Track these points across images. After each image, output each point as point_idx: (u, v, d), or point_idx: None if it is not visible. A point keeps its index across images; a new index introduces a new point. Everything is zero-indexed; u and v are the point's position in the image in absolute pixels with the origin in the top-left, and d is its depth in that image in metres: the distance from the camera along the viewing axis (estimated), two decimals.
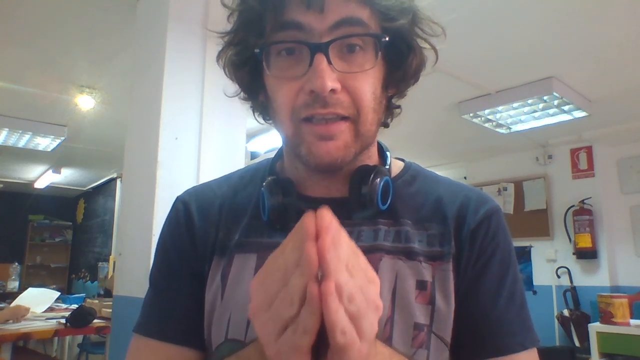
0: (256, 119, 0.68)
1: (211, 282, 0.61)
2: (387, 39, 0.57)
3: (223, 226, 0.63)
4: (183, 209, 0.67)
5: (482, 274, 0.60)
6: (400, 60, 0.62)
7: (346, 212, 0.58)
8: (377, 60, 0.57)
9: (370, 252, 0.58)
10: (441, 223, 0.62)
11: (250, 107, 0.67)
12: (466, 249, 0.60)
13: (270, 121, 0.64)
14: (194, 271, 0.63)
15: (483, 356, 0.57)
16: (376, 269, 0.54)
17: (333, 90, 0.53)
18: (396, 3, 0.58)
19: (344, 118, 0.55)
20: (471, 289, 0.59)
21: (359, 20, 0.55)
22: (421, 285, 0.58)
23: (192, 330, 0.62)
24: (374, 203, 0.58)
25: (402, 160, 0.72)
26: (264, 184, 0.61)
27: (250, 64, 0.60)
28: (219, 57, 0.63)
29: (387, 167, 0.66)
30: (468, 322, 0.58)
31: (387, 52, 0.59)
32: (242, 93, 0.65)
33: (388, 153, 0.70)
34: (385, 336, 0.55)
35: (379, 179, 0.59)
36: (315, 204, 0.49)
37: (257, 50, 0.56)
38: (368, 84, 0.57)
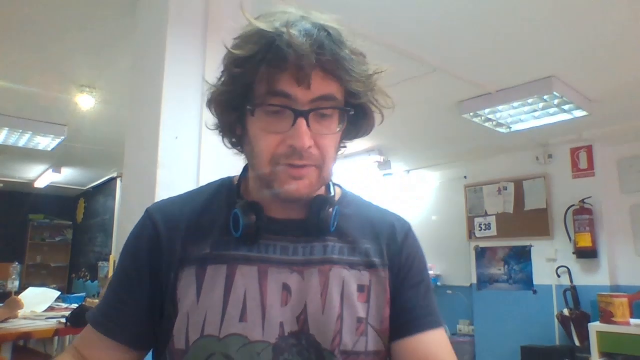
0: (223, 143, 0.81)
1: (185, 288, 0.71)
2: (352, 112, 0.74)
3: (190, 241, 0.74)
4: (150, 222, 0.77)
5: (407, 276, 0.80)
6: (357, 124, 0.79)
7: (303, 231, 0.75)
8: (341, 125, 0.74)
9: (322, 263, 0.74)
10: (375, 240, 0.80)
11: (220, 133, 0.79)
12: (396, 259, 0.80)
13: (239, 150, 0.79)
14: (153, 280, 0.74)
15: (413, 332, 0.76)
16: (327, 277, 0.72)
17: (308, 147, 0.68)
18: (362, 87, 0.73)
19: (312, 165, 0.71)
20: (401, 288, 0.79)
21: (333, 97, 0.71)
22: (361, 288, 0.75)
23: (140, 333, 0.75)
24: (327, 226, 0.74)
25: (340, 186, 0.88)
26: (239, 205, 0.73)
27: (236, 109, 0.74)
28: (209, 100, 0.78)
29: (332, 194, 0.82)
30: (400, 311, 0.77)
31: (349, 118, 0.75)
32: (219, 125, 0.79)
33: (331, 182, 0.83)
34: (337, 329, 0.70)
35: (331, 209, 0.75)
36: (279, 224, 0.74)
37: (249, 107, 0.70)
38: (332, 142, 0.73)
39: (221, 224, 0.75)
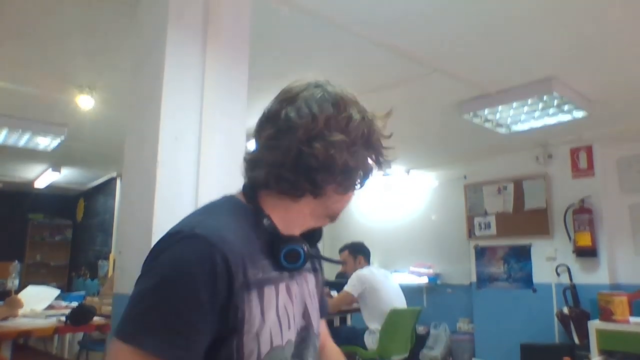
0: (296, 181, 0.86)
1: (252, 311, 0.77)
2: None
3: (248, 267, 0.78)
4: (220, 255, 0.73)
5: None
6: None
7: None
8: None
9: (302, 270, 0.92)
10: (314, 246, 0.99)
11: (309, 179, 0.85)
12: (320, 262, 1.05)
13: (297, 194, 0.86)
14: (221, 309, 0.73)
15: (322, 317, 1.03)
16: (307, 281, 0.95)
17: None
18: None
19: None
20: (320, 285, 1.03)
21: None
22: (314, 287, 0.99)
23: None
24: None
25: None
26: (282, 237, 0.85)
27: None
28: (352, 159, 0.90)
29: None
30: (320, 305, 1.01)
31: None
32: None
33: None
34: (317, 318, 0.95)
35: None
36: (297, 242, 0.86)
37: (358, 185, 0.92)
38: None
39: (258, 249, 0.83)
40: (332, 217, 0.94)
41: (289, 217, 0.88)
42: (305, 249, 0.85)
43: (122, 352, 0.68)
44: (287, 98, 0.88)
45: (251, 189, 0.87)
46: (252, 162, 0.87)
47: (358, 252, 3.81)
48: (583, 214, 4.34)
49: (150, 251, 0.77)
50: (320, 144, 0.81)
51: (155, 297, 0.70)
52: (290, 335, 0.84)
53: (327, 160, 0.81)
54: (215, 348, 0.73)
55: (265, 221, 0.84)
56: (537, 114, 3.57)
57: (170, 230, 0.79)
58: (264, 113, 0.90)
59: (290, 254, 0.84)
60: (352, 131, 0.84)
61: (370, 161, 0.88)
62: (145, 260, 0.77)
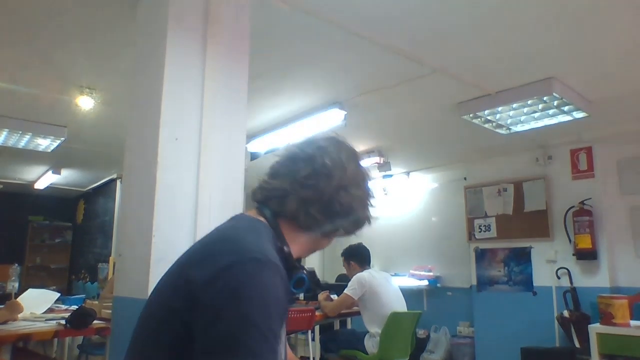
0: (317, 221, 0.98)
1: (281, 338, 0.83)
2: None
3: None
4: (283, 282, 0.84)
5: None
6: None
7: None
8: None
9: None
10: None
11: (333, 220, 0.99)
12: None
13: (315, 229, 0.98)
14: None
15: None
16: None
17: None
18: None
19: None
20: None
21: None
22: None
23: None
24: None
25: None
26: (296, 265, 0.94)
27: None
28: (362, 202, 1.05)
29: None
30: None
31: None
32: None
33: None
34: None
35: None
36: (302, 270, 0.95)
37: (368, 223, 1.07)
38: None
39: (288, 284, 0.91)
40: (316, 250, 1.05)
41: (295, 246, 0.98)
42: (307, 277, 0.94)
43: None
44: (319, 146, 1.00)
45: (273, 216, 0.96)
46: (281, 193, 0.96)
47: (350, 258, 3.80)
48: (583, 216, 4.33)
49: (228, 272, 0.77)
50: (347, 195, 0.96)
51: (259, 319, 0.74)
52: (282, 349, 0.88)
53: (348, 210, 0.97)
54: None
55: (285, 249, 0.93)
56: (537, 114, 3.57)
57: (245, 253, 0.80)
58: (294, 153, 1.00)
59: (299, 281, 0.93)
60: (366, 188, 1.02)
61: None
62: (225, 280, 0.76)
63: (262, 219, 0.96)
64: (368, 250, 3.84)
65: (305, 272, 0.94)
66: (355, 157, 1.03)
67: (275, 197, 0.96)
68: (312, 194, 0.94)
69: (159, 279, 0.93)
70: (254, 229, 0.91)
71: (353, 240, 4.09)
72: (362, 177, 1.01)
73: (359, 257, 3.79)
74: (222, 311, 0.73)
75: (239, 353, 0.71)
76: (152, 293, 0.92)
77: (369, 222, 1.03)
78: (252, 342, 0.72)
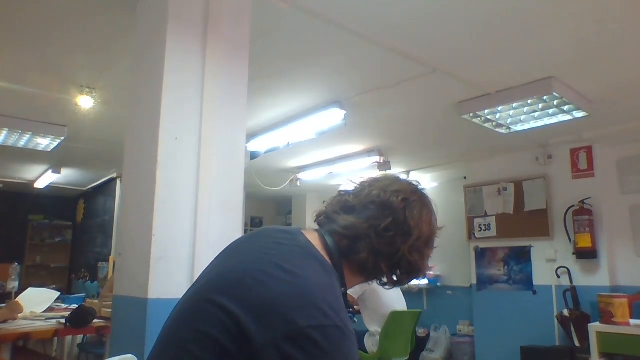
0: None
1: None
2: None
3: None
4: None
5: None
6: None
7: None
8: None
9: None
10: None
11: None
12: None
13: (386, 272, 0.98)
14: None
15: None
16: None
17: None
18: None
19: None
20: None
21: None
22: None
23: None
24: None
25: None
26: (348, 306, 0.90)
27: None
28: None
29: None
30: None
31: None
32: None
33: None
34: None
35: None
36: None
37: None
38: None
39: None
40: None
41: (347, 285, 0.95)
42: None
43: None
44: (405, 199, 0.96)
45: (340, 256, 0.91)
46: (354, 234, 0.92)
47: None
48: (583, 215, 4.33)
49: (306, 336, 0.72)
50: (419, 257, 0.95)
51: None
52: None
53: (414, 269, 0.95)
54: None
55: (342, 290, 0.89)
56: (537, 114, 3.57)
57: (325, 319, 0.75)
58: (376, 195, 0.95)
59: None
60: (433, 246, 1.01)
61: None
62: (312, 339, 0.72)
63: (326, 255, 0.90)
64: None
65: (352, 310, 0.95)
66: (433, 216, 1.02)
67: (347, 237, 0.92)
68: (386, 248, 0.91)
69: (182, 297, 0.90)
70: (325, 277, 0.84)
71: None
72: (434, 236, 1.01)
73: None
74: None
75: None
76: (180, 314, 0.85)
77: (424, 276, 1.03)
78: None
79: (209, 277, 0.88)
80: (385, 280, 0.97)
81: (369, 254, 0.91)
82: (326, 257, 0.89)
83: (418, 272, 0.97)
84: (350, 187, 1.01)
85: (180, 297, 0.92)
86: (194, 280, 0.96)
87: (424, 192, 1.04)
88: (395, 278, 0.97)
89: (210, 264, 0.96)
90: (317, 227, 0.99)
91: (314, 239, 0.92)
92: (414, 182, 1.04)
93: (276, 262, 0.81)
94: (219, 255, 0.98)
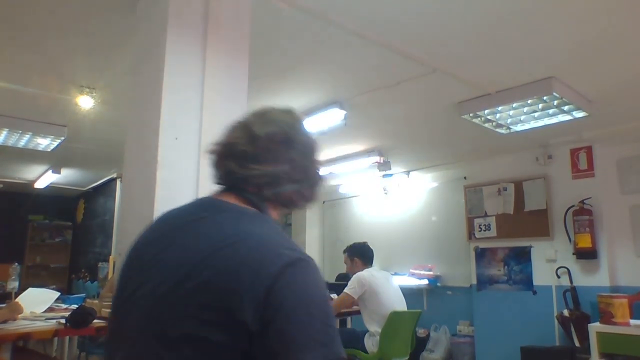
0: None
1: None
2: None
3: None
4: None
5: None
6: None
7: None
8: None
9: None
10: None
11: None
12: None
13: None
14: None
15: None
16: None
17: None
18: None
19: None
20: None
21: None
22: None
23: None
24: None
25: None
26: None
27: None
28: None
29: None
30: None
31: None
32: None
33: None
34: None
35: None
36: None
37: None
38: None
39: None
40: None
41: None
42: None
43: None
44: (289, 123, 0.99)
45: (263, 202, 0.92)
46: (273, 178, 0.92)
47: (355, 254, 3.81)
48: (583, 215, 4.33)
49: (284, 277, 0.74)
50: (318, 163, 0.99)
51: (322, 314, 0.76)
52: None
53: (318, 178, 1.00)
54: None
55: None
56: (537, 114, 3.57)
57: (292, 254, 0.78)
58: (266, 134, 0.94)
59: None
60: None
61: None
62: (286, 283, 0.74)
63: (250, 206, 0.90)
64: (372, 250, 3.85)
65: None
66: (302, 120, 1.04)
67: (267, 183, 0.91)
68: (300, 175, 0.95)
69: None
70: (265, 225, 0.87)
71: (358, 239, 4.10)
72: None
73: (364, 255, 3.79)
74: (294, 314, 0.73)
75: (314, 347, 0.73)
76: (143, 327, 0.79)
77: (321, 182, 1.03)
78: (329, 333, 0.75)
79: (160, 289, 0.80)
80: (301, 203, 0.98)
81: (292, 188, 0.94)
82: (254, 209, 0.91)
83: (320, 178, 1.00)
84: (228, 138, 0.98)
85: None
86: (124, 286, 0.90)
87: (287, 109, 1.07)
88: (308, 195, 0.98)
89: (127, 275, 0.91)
90: (224, 187, 0.96)
91: (230, 198, 0.91)
92: (275, 107, 1.06)
93: (218, 242, 0.79)
94: (132, 263, 0.92)
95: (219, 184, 0.97)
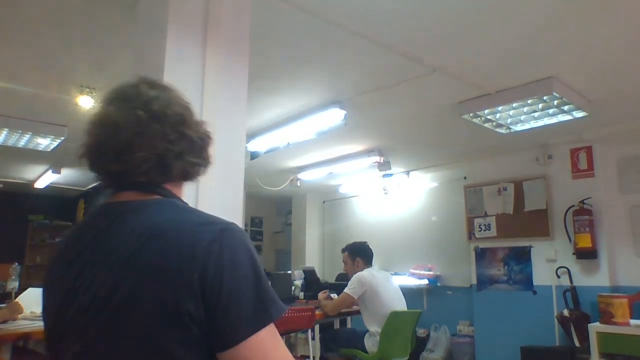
0: None
1: None
2: None
3: None
4: None
5: None
6: None
7: None
8: None
9: None
10: None
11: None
12: None
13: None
14: None
15: None
16: None
17: None
18: None
19: None
20: None
21: None
22: None
23: None
24: None
25: None
26: None
27: None
28: None
29: None
30: None
31: None
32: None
33: None
34: None
35: None
36: None
37: None
38: None
39: None
40: None
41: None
42: None
43: (268, 334, 0.76)
44: (146, 99, 0.88)
45: (157, 186, 0.87)
46: (157, 162, 0.85)
47: (357, 254, 3.80)
48: (583, 215, 4.33)
49: (212, 256, 0.74)
50: (200, 124, 0.93)
51: (258, 273, 0.78)
52: None
53: (208, 138, 0.94)
54: None
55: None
56: (537, 114, 3.57)
57: (212, 229, 0.78)
58: (128, 122, 0.84)
59: None
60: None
61: None
62: (214, 246, 0.75)
63: (153, 195, 0.86)
64: (372, 250, 3.85)
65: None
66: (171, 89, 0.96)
67: (153, 169, 0.85)
68: (185, 145, 0.87)
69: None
70: (176, 209, 0.84)
71: (358, 239, 4.10)
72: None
73: (365, 255, 3.79)
74: (234, 289, 0.74)
75: (269, 304, 0.77)
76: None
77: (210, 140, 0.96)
78: (268, 293, 0.78)
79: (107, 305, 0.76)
80: (197, 170, 0.92)
81: (180, 164, 0.87)
82: (156, 196, 0.86)
83: (205, 137, 0.93)
84: (94, 137, 0.89)
85: None
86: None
87: (147, 79, 0.97)
88: (200, 160, 0.92)
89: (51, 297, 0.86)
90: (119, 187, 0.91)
91: (130, 195, 0.87)
92: (125, 85, 0.95)
93: (134, 244, 0.77)
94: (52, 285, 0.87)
95: (107, 186, 0.91)
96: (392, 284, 3.72)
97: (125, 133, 0.83)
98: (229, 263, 0.75)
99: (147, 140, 0.84)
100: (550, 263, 4.57)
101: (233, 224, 0.81)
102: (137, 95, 0.89)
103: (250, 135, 4.27)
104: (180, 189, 0.94)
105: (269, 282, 0.80)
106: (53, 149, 4.60)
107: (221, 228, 0.78)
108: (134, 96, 0.89)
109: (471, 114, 3.56)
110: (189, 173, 0.91)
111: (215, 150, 1.87)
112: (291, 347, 4.32)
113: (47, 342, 0.85)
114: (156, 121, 0.85)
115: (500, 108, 3.44)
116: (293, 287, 4.71)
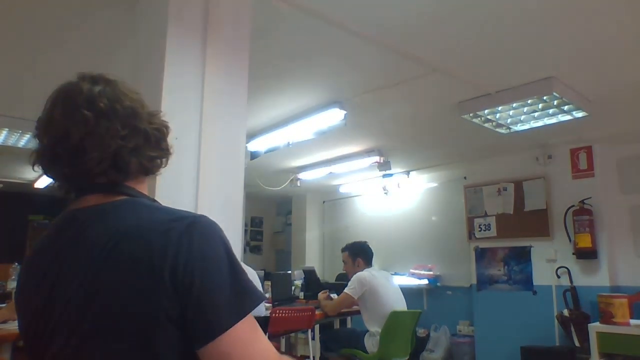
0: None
1: None
2: None
3: None
4: None
5: None
6: None
7: None
8: None
9: None
10: None
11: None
12: None
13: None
14: None
15: None
16: None
17: None
18: None
19: None
20: None
21: None
22: None
23: None
24: None
25: None
26: None
27: None
28: None
29: None
30: None
31: None
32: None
33: None
34: None
35: None
36: None
37: None
38: None
39: None
40: None
41: None
42: None
43: (246, 326, 0.74)
44: (88, 97, 0.85)
45: (119, 185, 0.85)
46: (113, 162, 0.82)
47: (357, 254, 3.80)
48: (583, 215, 4.33)
49: (182, 250, 0.73)
50: (156, 115, 0.91)
51: (233, 264, 0.77)
52: None
53: (164, 129, 0.92)
54: None
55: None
56: (537, 114, 3.57)
57: (179, 225, 0.76)
58: (75, 124, 0.81)
59: None
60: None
61: None
62: (195, 239, 0.74)
63: (117, 196, 0.83)
64: (372, 250, 3.85)
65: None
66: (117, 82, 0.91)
67: (111, 167, 0.82)
68: (134, 139, 0.84)
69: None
70: (144, 207, 0.82)
71: (358, 239, 4.10)
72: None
73: (366, 255, 3.79)
74: (208, 283, 0.73)
75: (249, 292, 0.77)
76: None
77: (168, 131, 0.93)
78: (242, 283, 0.77)
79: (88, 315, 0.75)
80: (157, 162, 0.91)
81: (136, 160, 0.85)
82: (122, 197, 0.84)
83: (167, 127, 0.92)
84: (44, 145, 0.84)
85: None
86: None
87: (91, 75, 0.94)
88: (157, 153, 0.90)
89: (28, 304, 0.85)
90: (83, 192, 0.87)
91: (92, 199, 0.84)
92: (67, 85, 0.91)
93: (104, 246, 0.76)
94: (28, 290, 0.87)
95: (67, 192, 0.88)
96: (392, 284, 3.72)
97: (74, 136, 0.80)
98: (199, 255, 0.73)
99: (98, 140, 0.80)
100: (550, 263, 4.57)
101: (203, 216, 0.79)
102: (80, 93, 0.86)
103: (250, 135, 4.27)
104: (144, 185, 0.92)
105: (245, 273, 0.78)
106: None
107: (190, 221, 0.76)
108: (77, 95, 0.85)
109: (471, 114, 3.56)
110: (149, 167, 0.88)
111: (215, 151, 1.89)
112: (291, 347, 4.32)
113: (30, 355, 0.83)
114: (104, 118, 0.82)
115: (500, 108, 3.44)
116: (293, 287, 4.71)
